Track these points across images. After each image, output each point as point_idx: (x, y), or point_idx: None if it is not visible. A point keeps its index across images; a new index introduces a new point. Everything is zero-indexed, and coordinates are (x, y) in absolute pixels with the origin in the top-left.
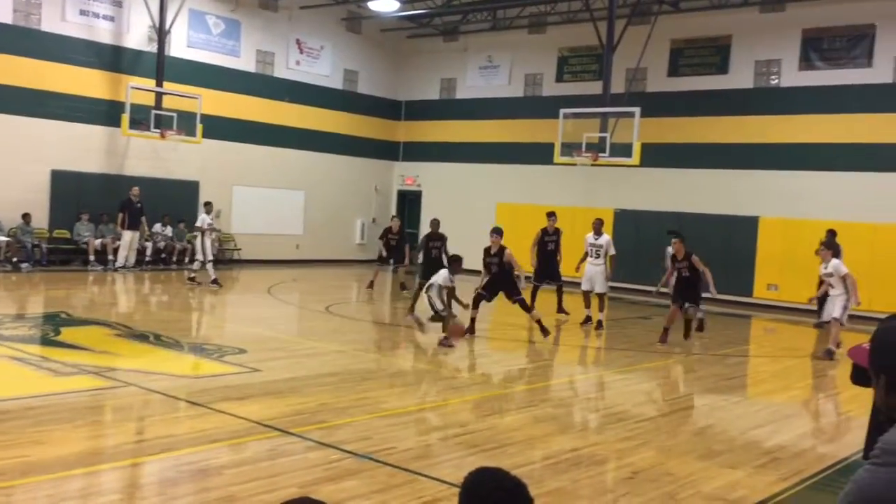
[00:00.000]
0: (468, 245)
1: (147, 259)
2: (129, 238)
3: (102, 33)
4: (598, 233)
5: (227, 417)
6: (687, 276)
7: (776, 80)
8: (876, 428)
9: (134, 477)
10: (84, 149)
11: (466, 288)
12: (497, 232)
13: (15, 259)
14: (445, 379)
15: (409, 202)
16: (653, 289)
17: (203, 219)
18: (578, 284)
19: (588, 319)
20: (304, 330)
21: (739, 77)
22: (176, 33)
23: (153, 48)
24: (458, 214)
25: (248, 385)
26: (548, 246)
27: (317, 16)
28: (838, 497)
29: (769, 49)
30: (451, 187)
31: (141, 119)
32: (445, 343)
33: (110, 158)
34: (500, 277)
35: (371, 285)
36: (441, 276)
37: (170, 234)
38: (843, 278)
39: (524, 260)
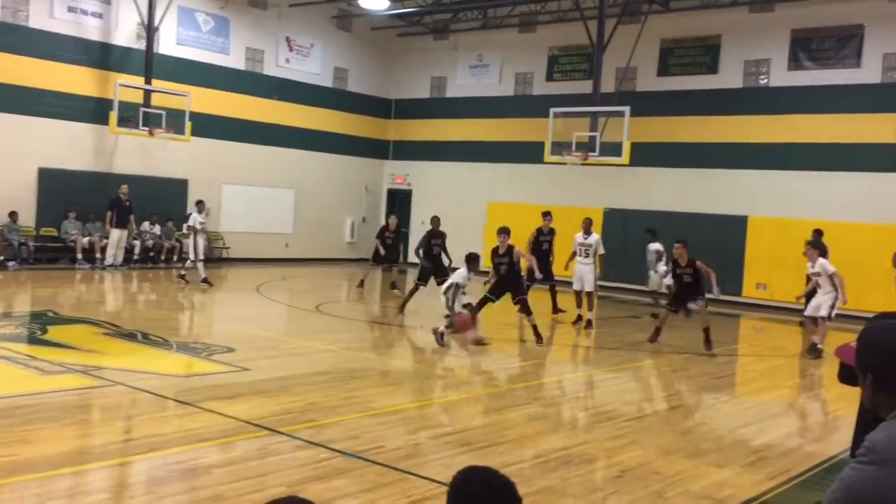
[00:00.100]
0: (458, 244)
1: (135, 257)
2: (117, 236)
3: (91, 30)
4: (587, 232)
5: (215, 416)
6: (689, 282)
7: (765, 80)
8: (863, 427)
9: (122, 476)
10: (72, 146)
11: (471, 288)
12: (505, 232)
13: (2, 257)
14: (435, 378)
15: (399, 201)
16: (645, 288)
17: (195, 218)
18: (570, 284)
19: (579, 318)
20: (294, 329)
21: (729, 77)
22: (165, 30)
23: (142, 45)
24: (449, 213)
25: (237, 384)
26: (542, 245)
27: (306, 13)
28: (825, 495)
29: (758, 49)
30: (441, 186)
31: (129, 117)
32: (440, 339)
33: (98, 156)
34: (507, 278)
35: (361, 284)
36: (460, 275)
37: (158, 233)
38: (831, 277)
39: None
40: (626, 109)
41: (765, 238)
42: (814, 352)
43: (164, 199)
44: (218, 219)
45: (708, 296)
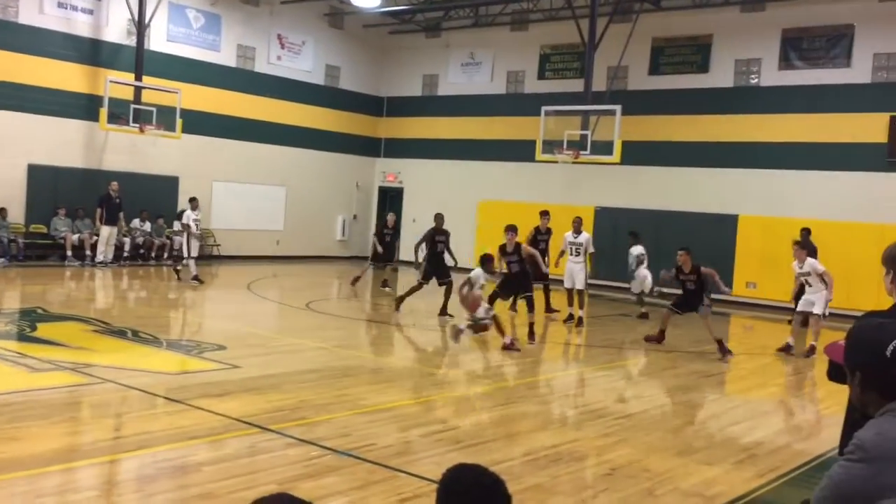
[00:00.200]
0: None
1: (125, 255)
2: (107, 233)
3: (81, 26)
4: (577, 231)
5: (205, 414)
6: (692, 289)
7: (756, 80)
8: (851, 424)
9: (111, 474)
10: (61, 143)
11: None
12: (513, 229)
13: None
14: (426, 375)
15: (391, 199)
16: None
17: (188, 215)
18: (561, 282)
19: (570, 317)
20: (284, 326)
21: (720, 76)
22: (155, 27)
23: (132, 42)
24: (440, 211)
25: (228, 381)
26: (539, 245)
27: (298, 11)
28: (814, 493)
29: (749, 48)
30: (433, 184)
31: (120, 113)
32: (457, 336)
33: (88, 153)
34: (518, 275)
35: (355, 281)
36: (480, 275)
37: (148, 230)
38: (822, 276)
39: None
40: (618, 108)
41: (755, 237)
42: (786, 350)
43: (154, 196)
44: (209, 216)
45: (717, 296)
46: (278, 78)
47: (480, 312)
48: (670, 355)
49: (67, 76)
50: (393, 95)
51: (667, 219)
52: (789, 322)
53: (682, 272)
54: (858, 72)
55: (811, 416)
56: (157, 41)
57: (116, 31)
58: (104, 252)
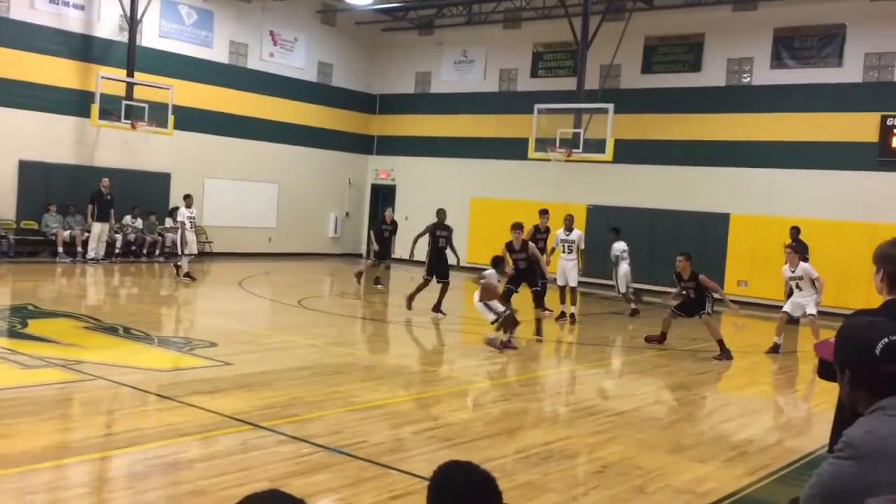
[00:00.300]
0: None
1: (117, 251)
2: (98, 230)
3: (72, 22)
4: (568, 229)
5: (197, 411)
6: (693, 297)
7: (748, 79)
8: (841, 422)
9: (102, 470)
10: (53, 139)
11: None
12: (519, 227)
13: None
14: (418, 373)
15: (383, 196)
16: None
17: (183, 212)
18: (552, 281)
19: (563, 314)
20: (276, 323)
21: (712, 75)
22: (148, 23)
23: (124, 38)
24: (432, 209)
25: (219, 378)
26: (539, 244)
27: (290, 7)
28: (803, 490)
29: (741, 47)
30: (425, 182)
31: (111, 109)
32: (508, 345)
33: (80, 149)
34: (526, 271)
35: (360, 276)
36: (493, 277)
37: (140, 227)
38: (814, 281)
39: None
40: (610, 107)
41: (746, 235)
42: (775, 350)
43: (146, 193)
44: (201, 213)
45: (718, 308)
46: (271, 75)
47: (498, 306)
48: (663, 354)
49: (59, 72)
50: (386, 93)
51: (659, 217)
52: (787, 322)
53: (682, 279)
54: (850, 71)
55: (801, 414)
56: (150, 37)
57: (108, 26)
58: (96, 248)
